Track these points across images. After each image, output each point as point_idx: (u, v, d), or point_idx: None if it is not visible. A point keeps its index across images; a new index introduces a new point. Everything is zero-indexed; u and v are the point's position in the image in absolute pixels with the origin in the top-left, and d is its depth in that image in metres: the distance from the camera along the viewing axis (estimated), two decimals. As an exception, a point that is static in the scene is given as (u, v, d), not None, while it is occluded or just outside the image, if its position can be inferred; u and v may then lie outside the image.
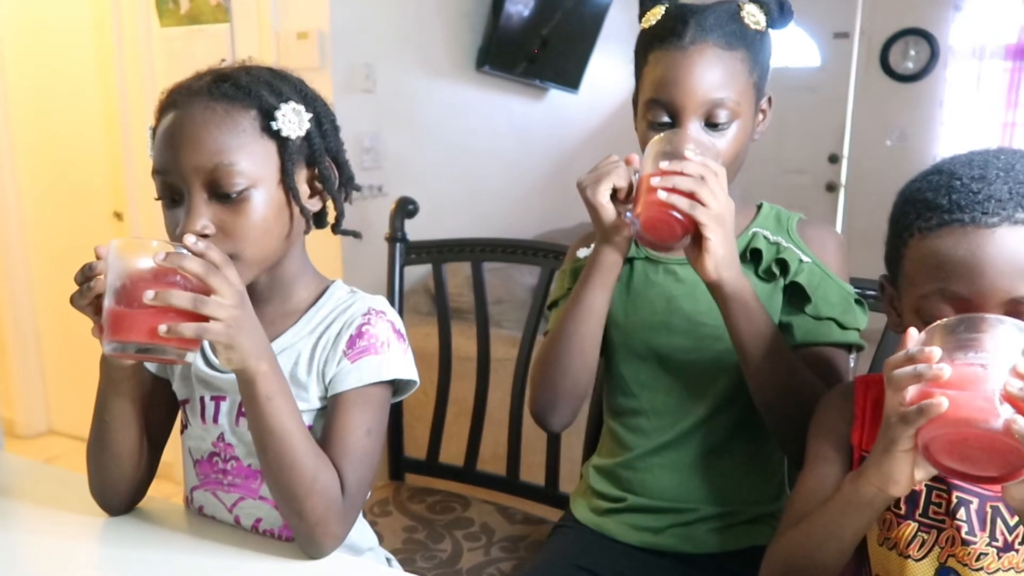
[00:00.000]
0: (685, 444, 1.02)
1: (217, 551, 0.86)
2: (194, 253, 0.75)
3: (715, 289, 0.88)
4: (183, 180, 0.82)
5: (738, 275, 0.88)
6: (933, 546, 0.75)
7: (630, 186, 0.89)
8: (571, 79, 3.47)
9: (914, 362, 0.61)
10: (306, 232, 0.92)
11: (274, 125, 0.84)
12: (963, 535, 0.73)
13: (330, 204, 0.94)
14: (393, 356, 0.90)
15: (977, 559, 0.72)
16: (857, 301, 0.98)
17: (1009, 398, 0.57)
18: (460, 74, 2.83)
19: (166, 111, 0.85)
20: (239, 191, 0.82)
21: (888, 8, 4.04)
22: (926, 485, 0.74)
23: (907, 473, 0.64)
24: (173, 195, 0.84)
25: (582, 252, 1.10)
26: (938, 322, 0.64)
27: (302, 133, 0.86)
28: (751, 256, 1.00)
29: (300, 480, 0.81)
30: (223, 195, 0.82)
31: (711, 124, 0.94)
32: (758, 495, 1.04)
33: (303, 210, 0.88)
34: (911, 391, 0.61)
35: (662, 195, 0.83)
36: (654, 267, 1.04)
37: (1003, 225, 0.66)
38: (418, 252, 1.49)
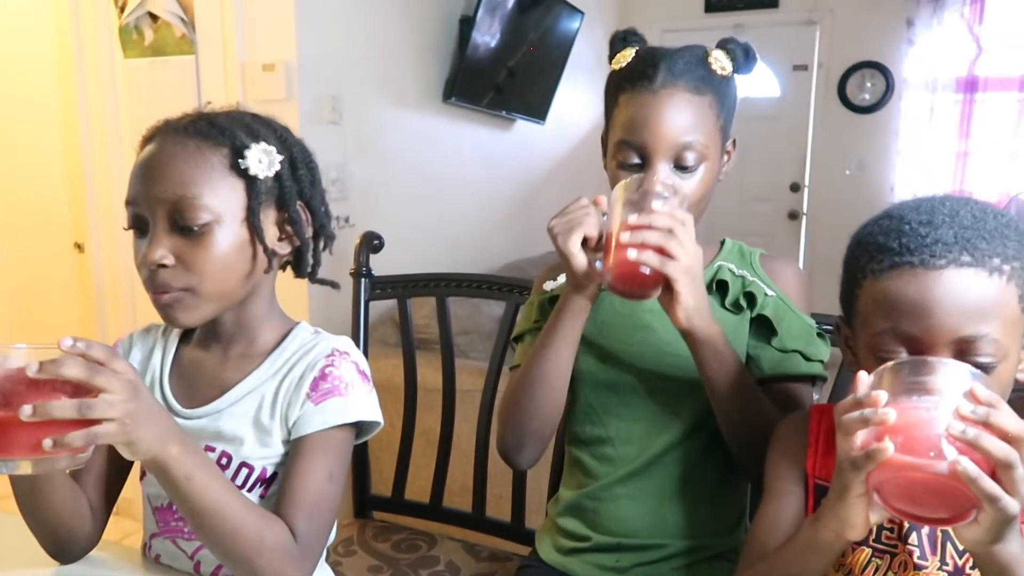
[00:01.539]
0: (651, 472, 1.03)
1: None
2: (72, 353, 0.68)
3: (686, 335, 0.91)
4: (149, 210, 0.83)
5: (708, 322, 0.90)
6: (887, 571, 0.76)
7: (600, 233, 0.89)
8: (538, 110, 3.52)
9: (862, 406, 0.62)
10: (267, 271, 0.90)
11: (242, 163, 0.85)
12: (915, 559, 0.75)
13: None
14: (357, 397, 0.89)
15: None
16: (819, 334, 1.01)
17: (953, 441, 0.58)
18: (427, 105, 2.85)
19: (145, 145, 0.87)
20: (201, 224, 0.83)
21: (845, 41, 4.17)
22: None
23: (862, 517, 0.65)
24: (141, 225, 0.85)
25: (549, 284, 1.11)
26: (886, 365, 0.65)
27: (271, 174, 0.86)
28: (717, 287, 1.02)
29: (246, 544, 0.78)
30: (185, 227, 0.83)
31: (680, 166, 0.96)
32: (722, 525, 1.04)
33: (267, 250, 0.88)
34: (860, 436, 0.62)
35: (632, 253, 0.84)
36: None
37: (950, 267, 0.69)
38: (383, 287, 1.48)
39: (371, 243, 1.48)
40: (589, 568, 1.04)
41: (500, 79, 3.17)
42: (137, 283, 0.90)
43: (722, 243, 1.09)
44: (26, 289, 2.86)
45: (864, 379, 0.65)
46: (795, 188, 4.39)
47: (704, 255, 1.03)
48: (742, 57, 1.02)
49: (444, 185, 2.99)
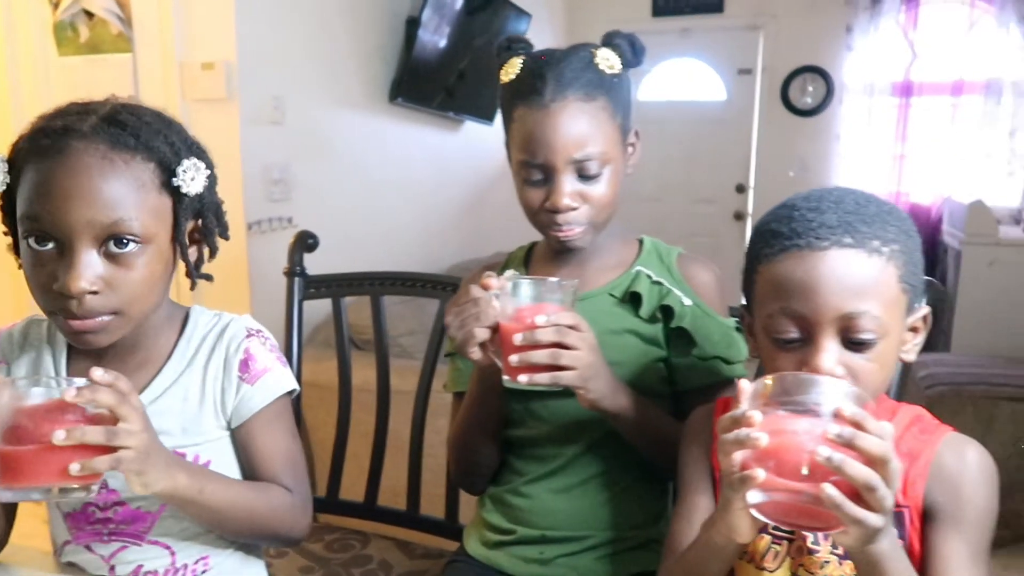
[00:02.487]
0: (573, 469, 1.04)
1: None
2: (102, 384, 0.72)
3: (597, 411, 0.94)
4: (67, 233, 0.77)
5: (615, 401, 0.94)
6: (785, 557, 0.80)
7: (496, 326, 0.89)
8: (486, 111, 3.53)
9: (739, 426, 0.64)
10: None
11: (174, 181, 0.82)
12: (809, 544, 0.79)
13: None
14: (283, 369, 0.95)
15: (821, 567, 0.78)
16: (737, 329, 1.03)
17: (815, 466, 0.60)
18: (373, 106, 2.84)
19: (48, 154, 0.79)
20: (131, 248, 0.80)
21: (787, 46, 4.27)
22: None
23: (747, 525, 0.69)
24: (43, 240, 0.79)
25: (494, 281, 1.12)
26: (766, 379, 0.67)
27: (201, 190, 0.85)
28: (633, 299, 1.03)
29: (262, 517, 0.89)
30: (113, 252, 0.79)
31: (584, 176, 0.96)
32: (644, 517, 1.06)
33: (188, 263, 0.89)
34: (737, 457, 0.64)
35: (523, 378, 0.87)
36: None
37: (833, 248, 0.73)
38: (317, 286, 1.48)
39: (305, 242, 1.48)
40: (514, 561, 1.05)
41: (450, 81, 3.17)
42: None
43: (641, 242, 1.10)
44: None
45: (745, 389, 0.67)
46: (740, 189, 4.48)
47: (623, 257, 1.06)
48: (629, 51, 1.00)
49: (391, 186, 2.98)
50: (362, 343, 2.24)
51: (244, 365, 0.91)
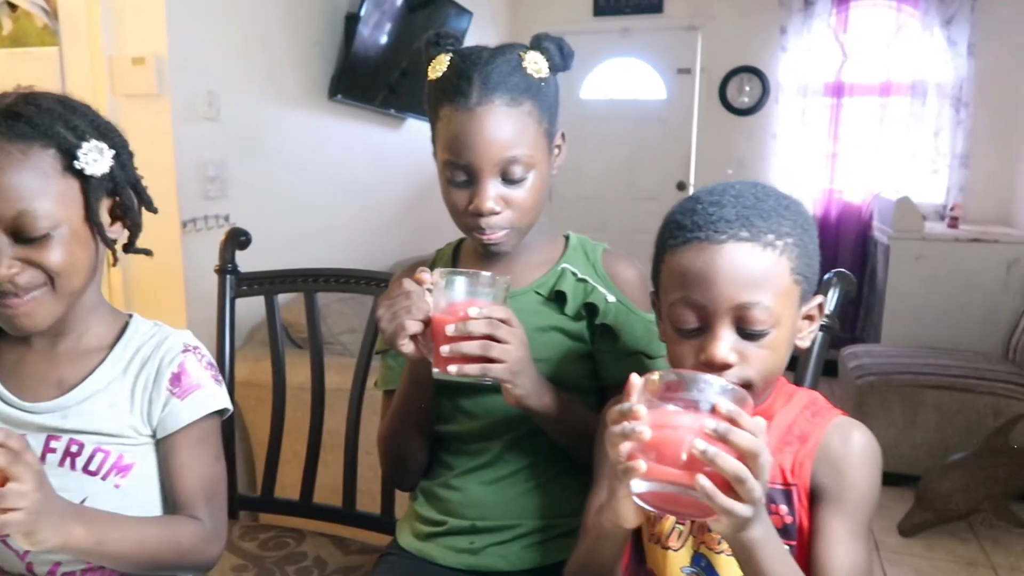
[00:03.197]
0: (501, 461, 1.06)
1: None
2: None
3: (522, 408, 0.96)
4: None
5: (541, 399, 0.95)
6: (688, 536, 0.84)
7: (428, 319, 0.90)
8: (429, 109, 3.52)
9: (625, 419, 0.67)
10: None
11: (77, 164, 0.83)
12: (709, 523, 0.81)
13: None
14: (216, 387, 0.95)
15: (719, 543, 0.82)
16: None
17: (692, 458, 0.64)
18: (312, 103, 2.82)
19: None
20: (42, 234, 0.81)
21: (724, 47, 4.37)
22: None
23: (631, 512, 0.73)
24: None
25: (426, 275, 1.12)
26: (650, 375, 0.70)
27: (106, 170, 0.86)
28: (558, 297, 1.05)
29: (170, 557, 0.87)
30: (26, 238, 0.81)
31: (508, 180, 0.97)
32: (571, 505, 1.08)
33: (108, 242, 0.88)
34: (623, 448, 0.67)
35: (452, 368, 0.88)
36: None
37: (730, 241, 0.76)
38: (250, 283, 1.47)
39: (237, 239, 1.47)
40: (445, 551, 1.07)
41: (392, 78, 3.16)
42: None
43: (567, 239, 1.12)
44: None
45: (636, 383, 0.70)
46: (681, 187, 4.56)
47: (548, 255, 1.08)
48: (558, 55, 0.99)
49: (332, 184, 2.96)
50: (302, 341, 2.23)
51: (176, 379, 0.91)
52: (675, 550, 0.83)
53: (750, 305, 0.75)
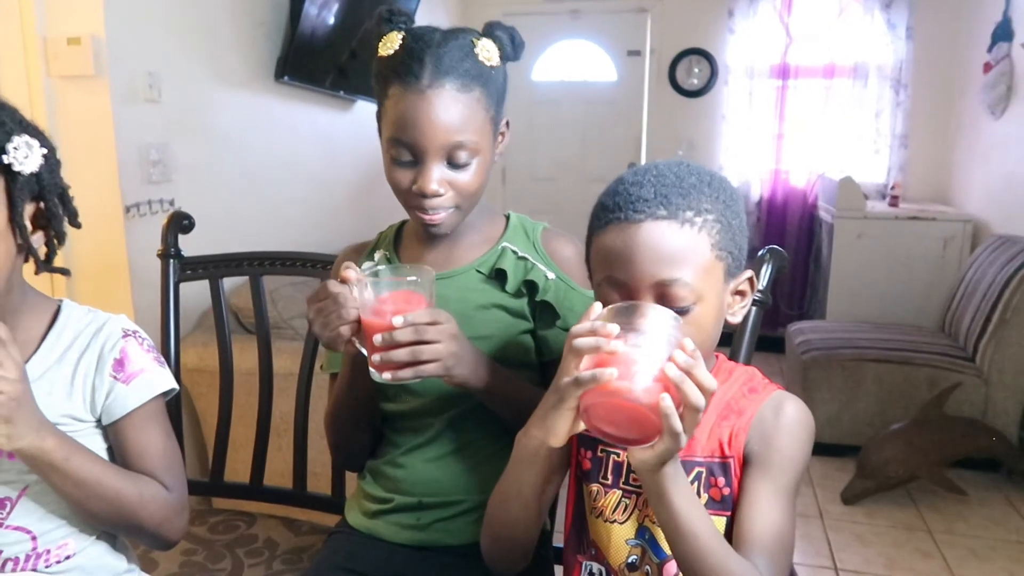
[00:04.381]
0: (445, 438, 1.08)
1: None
2: None
3: (465, 390, 0.97)
4: None
5: (479, 379, 0.96)
6: (634, 510, 0.86)
7: (359, 320, 0.90)
8: (378, 90, 3.49)
9: (596, 334, 0.70)
10: (25, 261, 0.89)
11: (5, 159, 0.81)
12: (631, 453, 0.84)
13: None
14: (160, 369, 0.96)
15: None
16: None
17: (664, 380, 0.67)
18: (258, 84, 2.77)
19: None
20: None
21: (673, 29, 4.41)
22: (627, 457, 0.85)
23: (566, 427, 0.75)
24: None
25: (351, 273, 1.13)
26: (611, 306, 0.74)
27: (36, 168, 0.83)
28: (499, 275, 1.06)
29: (128, 503, 0.87)
30: None
31: (453, 164, 0.98)
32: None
33: (29, 247, 0.86)
34: (588, 359, 0.70)
35: (387, 375, 0.88)
36: None
37: (647, 220, 0.78)
38: (194, 268, 1.45)
39: (180, 223, 1.45)
40: (392, 528, 1.08)
41: (341, 59, 3.12)
42: None
43: (507, 218, 1.13)
44: None
45: (598, 308, 0.74)
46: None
47: (489, 234, 1.10)
48: (509, 45, 1.01)
49: (280, 167, 2.92)
50: (252, 326, 2.21)
51: (119, 365, 0.91)
52: (620, 523, 0.85)
53: (670, 282, 0.77)
